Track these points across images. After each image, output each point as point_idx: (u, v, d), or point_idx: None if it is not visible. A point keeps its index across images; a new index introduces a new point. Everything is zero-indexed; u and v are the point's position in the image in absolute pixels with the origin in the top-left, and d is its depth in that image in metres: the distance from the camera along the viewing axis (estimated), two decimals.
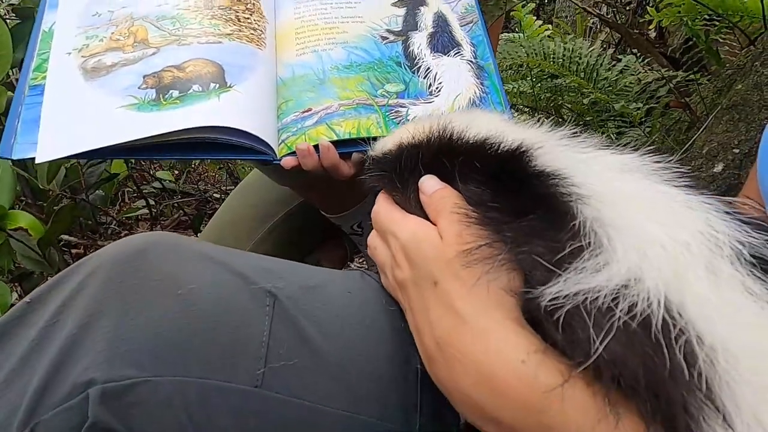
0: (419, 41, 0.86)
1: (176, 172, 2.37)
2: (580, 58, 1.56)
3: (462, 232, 0.46)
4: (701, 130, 1.00)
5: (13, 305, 1.08)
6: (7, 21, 1.17)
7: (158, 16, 0.80)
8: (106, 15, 0.79)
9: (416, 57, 0.85)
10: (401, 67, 0.84)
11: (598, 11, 2.69)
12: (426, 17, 0.89)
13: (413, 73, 0.84)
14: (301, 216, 1.28)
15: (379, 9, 0.89)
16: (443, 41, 0.87)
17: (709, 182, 0.96)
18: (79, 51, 0.75)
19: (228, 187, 2.60)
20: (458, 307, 0.43)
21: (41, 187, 1.03)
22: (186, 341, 0.48)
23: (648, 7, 1.54)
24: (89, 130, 0.69)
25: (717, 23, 1.63)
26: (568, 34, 2.41)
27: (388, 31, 0.87)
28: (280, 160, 0.77)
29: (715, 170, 0.94)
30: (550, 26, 1.72)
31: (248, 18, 0.83)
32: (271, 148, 0.76)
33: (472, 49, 0.86)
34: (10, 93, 1.02)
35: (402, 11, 0.89)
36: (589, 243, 0.39)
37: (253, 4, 0.85)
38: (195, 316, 0.49)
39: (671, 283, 0.36)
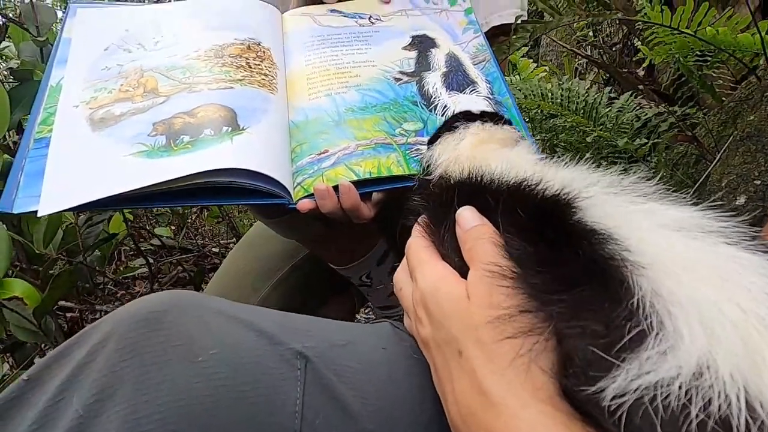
0: (434, 80, 0.86)
1: (173, 227, 2.33)
2: (578, 98, 1.58)
3: (493, 292, 0.41)
4: (715, 162, 0.99)
5: (4, 379, 1.01)
6: (5, 84, 1.16)
7: (168, 66, 0.79)
8: (116, 69, 0.78)
9: (432, 96, 0.84)
10: (417, 106, 0.83)
11: (585, 52, 2.75)
12: (438, 58, 0.88)
13: (430, 111, 0.82)
14: (308, 269, 1.24)
15: (390, 53, 0.89)
16: (458, 80, 0.86)
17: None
18: (87, 103, 0.73)
19: (226, 241, 2.55)
20: (486, 386, 0.38)
21: (37, 251, 0.98)
22: (210, 417, 0.43)
23: (640, 46, 1.57)
24: (96, 179, 0.66)
25: (709, 58, 1.65)
26: (564, 74, 2.46)
27: (401, 72, 0.86)
28: (296, 203, 0.73)
29: (737, 203, 0.92)
30: (546, 68, 1.75)
31: (259, 65, 0.82)
32: (287, 191, 0.73)
33: (488, 86, 0.85)
34: (6, 156, 0.99)
35: (413, 54, 0.89)
36: (651, 325, 0.33)
37: (264, 51, 0.85)
38: (219, 386, 0.44)
39: (749, 369, 0.30)
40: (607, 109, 1.56)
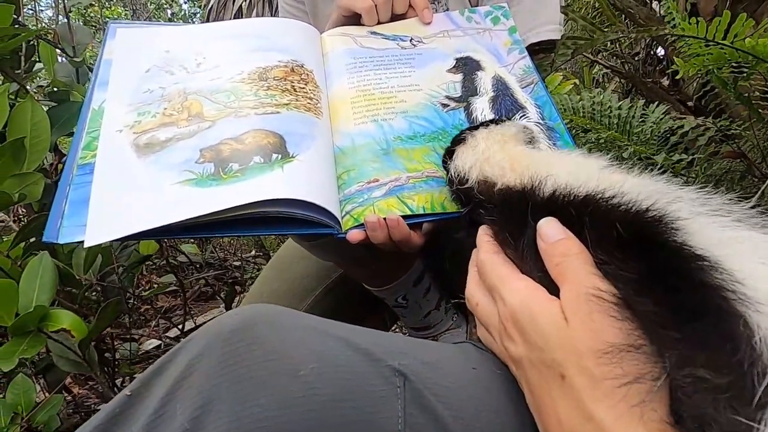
0: (481, 106, 0.82)
1: (195, 242, 2.32)
2: (611, 111, 1.54)
3: (595, 318, 0.40)
4: None
5: (39, 404, 0.99)
6: (42, 104, 1.15)
7: (212, 90, 0.76)
8: (158, 91, 0.75)
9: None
10: None
11: (607, 62, 2.72)
12: (485, 81, 0.85)
13: None
14: (340, 290, 1.21)
15: (434, 76, 0.86)
16: (506, 105, 0.83)
17: None
18: (130, 128, 0.71)
19: (250, 256, 2.53)
20: (593, 413, 0.37)
21: (77, 276, 0.96)
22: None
23: (675, 58, 1.53)
24: (143, 208, 0.63)
25: (745, 70, 1.61)
26: (584, 85, 2.42)
27: (448, 98, 0.83)
28: (345, 233, 0.70)
29: None
30: (577, 80, 1.71)
31: (303, 87, 0.80)
32: (336, 220, 0.70)
33: (538, 110, 0.82)
34: (47, 179, 0.97)
35: (459, 77, 0.86)
36: None
37: (307, 74, 0.82)
38: (321, 402, 0.43)
39: None
40: (642, 122, 1.52)
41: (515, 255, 0.51)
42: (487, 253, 0.53)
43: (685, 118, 1.69)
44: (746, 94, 1.68)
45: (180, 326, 1.67)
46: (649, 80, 2.57)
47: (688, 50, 1.52)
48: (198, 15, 11.07)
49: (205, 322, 2.01)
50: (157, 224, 0.61)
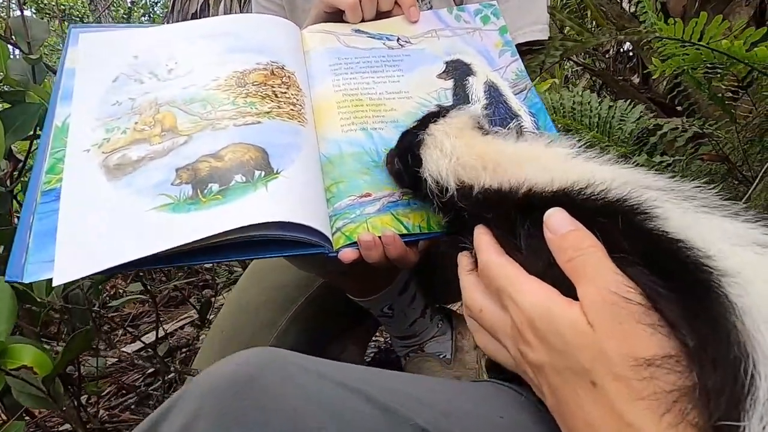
0: None
1: None
2: (591, 111, 1.53)
3: (623, 320, 0.38)
4: (757, 181, 0.94)
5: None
6: None
7: (186, 99, 0.70)
8: (127, 103, 0.69)
9: None
10: None
11: (579, 60, 2.72)
12: (476, 88, 0.82)
13: None
14: (324, 299, 1.17)
15: (424, 82, 0.81)
16: (500, 113, 0.79)
17: None
18: (99, 146, 0.64)
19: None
20: (631, 419, 0.36)
21: (38, 299, 0.89)
22: None
23: (653, 58, 1.53)
24: (117, 240, 0.58)
25: (720, 70, 1.63)
26: (565, 83, 2.41)
27: (439, 106, 0.79)
28: (336, 252, 0.66)
29: None
30: (556, 79, 1.69)
31: (285, 92, 0.74)
32: (327, 239, 0.65)
33: (532, 119, 0.79)
34: (0, 188, 0.89)
35: (449, 83, 0.82)
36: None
37: (289, 77, 0.77)
38: None
39: None
40: (622, 124, 1.51)
41: (520, 256, 0.49)
42: (490, 254, 0.50)
43: (665, 118, 1.70)
44: (719, 95, 1.70)
45: (143, 337, 1.59)
46: (620, 78, 2.59)
47: (664, 50, 1.52)
48: (160, 3, 10.65)
49: (176, 330, 1.95)
50: (133, 257, 0.56)
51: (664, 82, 2.31)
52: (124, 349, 1.75)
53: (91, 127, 0.66)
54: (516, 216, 0.49)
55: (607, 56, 2.85)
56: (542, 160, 0.53)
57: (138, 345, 1.70)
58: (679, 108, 1.98)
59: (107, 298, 1.83)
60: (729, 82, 1.64)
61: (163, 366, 1.13)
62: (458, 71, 0.83)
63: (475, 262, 0.53)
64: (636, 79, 2.65)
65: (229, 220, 0.58)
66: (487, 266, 0.49)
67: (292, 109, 0.73)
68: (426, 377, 0.54)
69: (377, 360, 1.44)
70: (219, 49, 0.77)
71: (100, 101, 0.68)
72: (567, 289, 0.42)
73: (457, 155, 0.58)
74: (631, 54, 2.72)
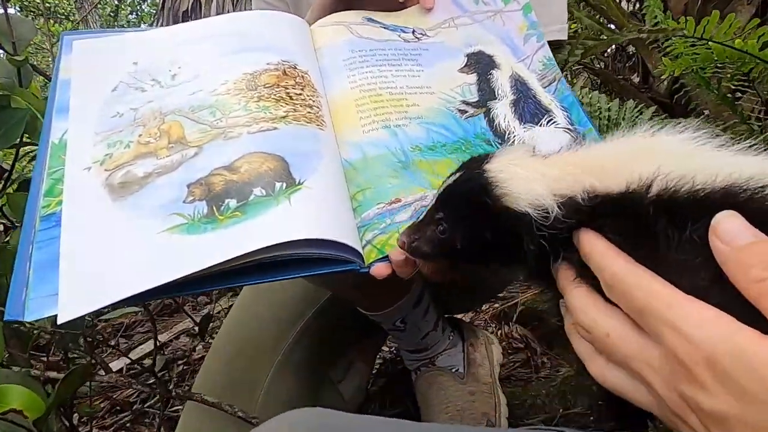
0: (503, 112, 0.73)
1: None
2: (600, 113, 1.48)
3: None
4: None
5: None
6: None
7: (193, 106, 0.64)
8: (129, 114, 0.63)
9: (505, 131, 0.72)
10: (491, 145, 0.70)
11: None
12: (502, 82, 0.76)
13: None
14: (332, 313, 1.11)
15: (446, 77, 0.76)
16: (529, 109, 0.74)
17: None
18: (101, 163, 0.58)
19: None
20: None
21: (28, 324, 0.82)
22: None
23: (663, 58, 1.50)
24: (126, 268, 0.52)
25: (730, 70, 1.60)
26: (572, 84, 2.38)
27: (465, 103, 0.74)
28: (368, 268, 0.60)
29: None
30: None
31: (300, 93, 0.68)
32: (358, 253, 0.60)
33: (565, 113, 0.74)
34: None
35: (472, 78, 0.76)
36: None
37: (302, 76, 0.70)
38: None
39: None
40: (632, 124, 1.48)
41: (666, 269, 0.40)
42: (618, 262, 0.41)
43: (673, 119, 1.67)
44: (728, 95, 1.67)
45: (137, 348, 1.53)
46: (620, 77, 2.55)
47: (673, 49, 1.49)
48: (148, 1, 10.35)
49: (171, 341, 1.88)
50: (146, 287, 0.50)
51: (665, 82, 2.28)
52: (116, 362, 1.68)
53: (92, 142, 0.59)
54: (652, 219, 0.41)
55: (605, 55, 2.81)
56: (660, 152, 0.45)
57: (132, 357, 1.63)
58: (681, 107, 1.95)
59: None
60: (738, 82, 1.61)
61: (163, 389, 1.06)
62: (480, 64, 0.77)
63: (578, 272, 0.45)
64: (636, 78, 2.62)
65: (252, 240, 0.53)
66: (619, 278, 0.40)
67: (309, 112, 0.67)
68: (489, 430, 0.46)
69: (383, 372, 1.39)
70: (225, 50, 0.70)
71: (100, 113, 0.62)
72: (745, 316, 0.34)
73: (545, 172, 0.49)
74: (630, 53, 2.68)
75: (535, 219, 0.46)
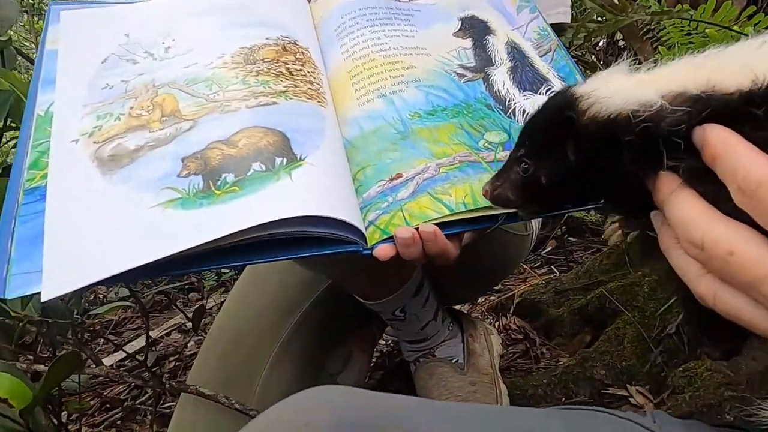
0: (501, 78, 0.71)
1: None
2: None
3: None
4: None
5: None
6: None
7: (188, 79, 0.61)
8: (120, 86, 0.60)
9: (505, 98, 0.69)
10: (493, 110, 0.68)
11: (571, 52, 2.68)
12: (498, 49, 0.73)
13: (510, 117, 0.68)
14: (330, 301, 1.08)
15: (440, 41, 0.73)
16: (527, 77, 0.71)
17: None
18: (89, 136, 0.55)
19: None
20: None
21: (13, 313, 0.78)
22: None
23: (660, 47, 1.49)
24: (115, 244, 0.49)
25: None
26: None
27: (462, 67, 0.71)
28: (371, 249, 0.57)
29: None
30: None
31: (300, 69, 0.66)
32: (362, 234, 0.57)
33: (563, 83, 0.72)
34: None
35: (468, 42, 0.74)
36: None
37: (303, 53, 0.68)
38: None
39: None
40: None
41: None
42: (764, 163, 0.33)
43: None
44: None
45: (128, 345, 1.49)
46: None
47: (668, 39, 1.48)
48: None
49: (162, 337, 1.84)
50: (136, 264, 0.47)
51: None
52: (107, 359, 1.64)
53: (80, 114, 0.56)
54: None
55: (597, 48, 2.80)
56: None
57: (122, 353, 1.59)
58: None
59: (86, 305, 1.71)
60: None
61: (156, 382, 1.03)
62: (475, 29, 0.75)
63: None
64: None
65: (251, 216, 0.50)
66: (759, 181, 0.32)
67: (309, 88, 0.64)
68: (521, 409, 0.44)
69: (381, 365, 1.36)
70: (222, 23, 0.67)
71: (89, 85, 0.59)
72: None
73: (643, 79, 0.42)
74: (621, 46, 2.68)
75: (634, 121, 0.39)
